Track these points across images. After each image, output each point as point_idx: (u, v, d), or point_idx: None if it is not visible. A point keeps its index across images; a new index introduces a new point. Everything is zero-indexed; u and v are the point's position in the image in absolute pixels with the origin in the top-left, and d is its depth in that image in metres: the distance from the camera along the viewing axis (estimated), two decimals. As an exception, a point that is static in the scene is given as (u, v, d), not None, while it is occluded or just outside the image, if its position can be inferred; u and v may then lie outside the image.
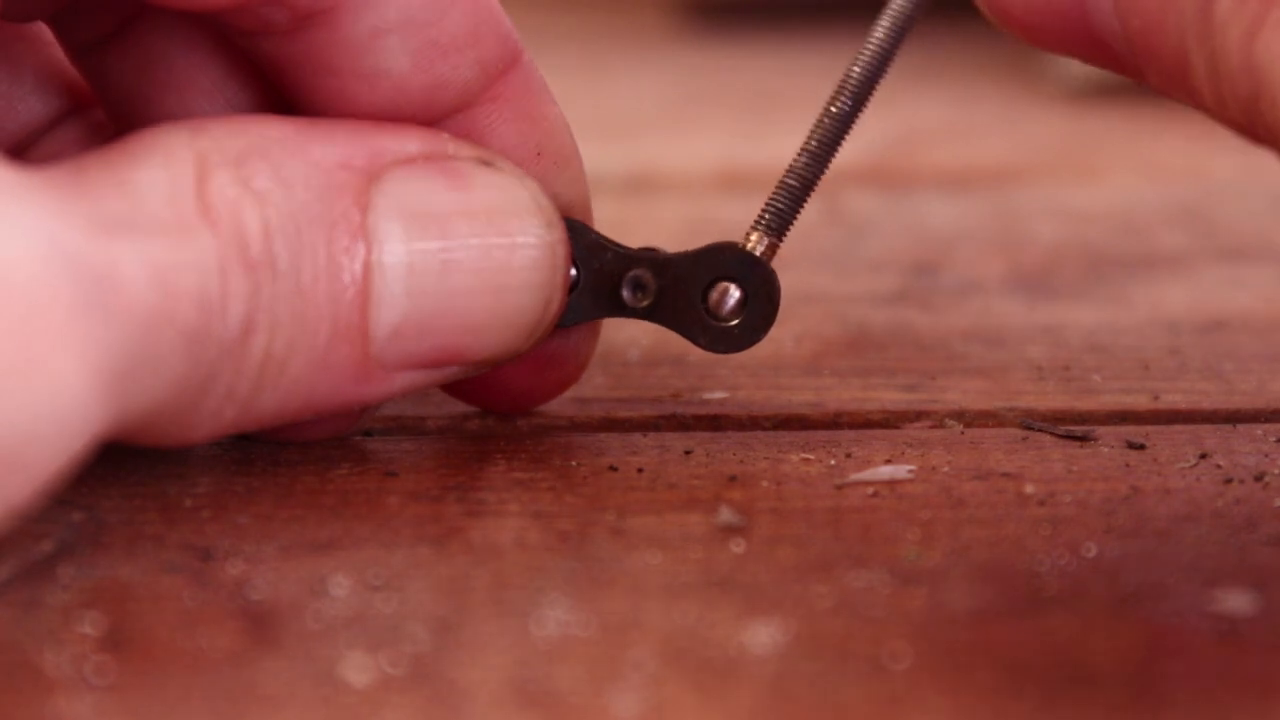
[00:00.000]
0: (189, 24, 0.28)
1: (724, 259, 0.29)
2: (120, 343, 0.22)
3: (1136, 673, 0.22)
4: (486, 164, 0.27)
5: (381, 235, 0.26)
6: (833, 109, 0.29)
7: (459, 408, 0.32)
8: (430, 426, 0.31)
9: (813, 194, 0.29)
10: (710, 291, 0.29)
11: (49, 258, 0.21)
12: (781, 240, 0.29)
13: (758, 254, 0.29)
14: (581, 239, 0.29)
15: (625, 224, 0.43)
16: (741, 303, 0.29)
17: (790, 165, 0.29)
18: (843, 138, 0.29)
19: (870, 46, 0.29)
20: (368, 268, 0.25)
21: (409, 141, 0.26)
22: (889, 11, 0.29)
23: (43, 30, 0.29)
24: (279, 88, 0.28)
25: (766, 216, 0.29)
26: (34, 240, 0.21)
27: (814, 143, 0.29)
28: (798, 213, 0.29)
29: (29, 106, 0.30)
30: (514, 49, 0.28)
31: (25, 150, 0.30)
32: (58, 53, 0.30)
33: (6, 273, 0.21)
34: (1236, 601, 0.24)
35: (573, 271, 0.29)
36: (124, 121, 0.28)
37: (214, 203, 0.24)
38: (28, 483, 0.21)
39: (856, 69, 0.29)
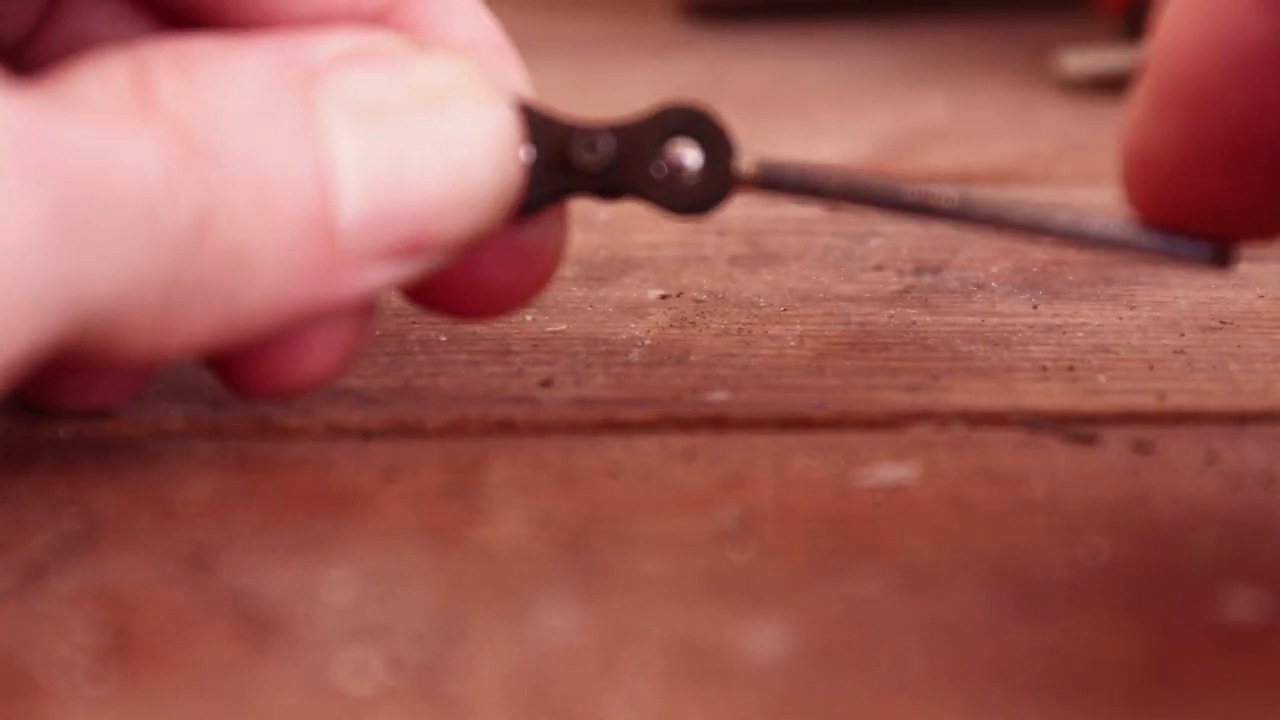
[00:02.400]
0: (109, 4, 0.28)
1: (678, 118, 0.29)
2: (63, 195, 0.22)
3: (1144, 677, 0.22)
4: (421, 48, 0.27)
5: (331, 128, 0.26)
6: (902, 191, 0.28)
7: (459, 409, 0.31)
8: (430, 427, 0.31)
9: (820, 200, 0.29)
10: (665, 152, 0.29)
11: None
12: (755, 189, 0.29)
13: (741, 161, 0.29)
14: (530, 117, 0.28)
15: (625, 224, 0.43)
16: (699, 161, 0.29)
17: (831, 167, 0.29)
18: (874, 205, 0.28)
19: (972, 200, 0.28)
20: (322, 161, 0.26)
21: (341, 39, 0.27)
22: (1014, 203, 0.28)
23: None
24: (204, 26, 0.28)
25: (771, 165, 0.29)
26: None
27: (858, 180, 0.28)
28: (785, 194, 0.29)
29: None
30: None
31: None
32: None
33: None
34: (1245, 605, 0.24)
35: (528, 151, 0.28)
36: None
37: (153, 97, 0.24)
38: None
39: (946, 194, 0.28)
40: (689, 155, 0.29)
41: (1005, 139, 0.56)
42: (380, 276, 0.27)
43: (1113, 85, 0.60)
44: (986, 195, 0.29)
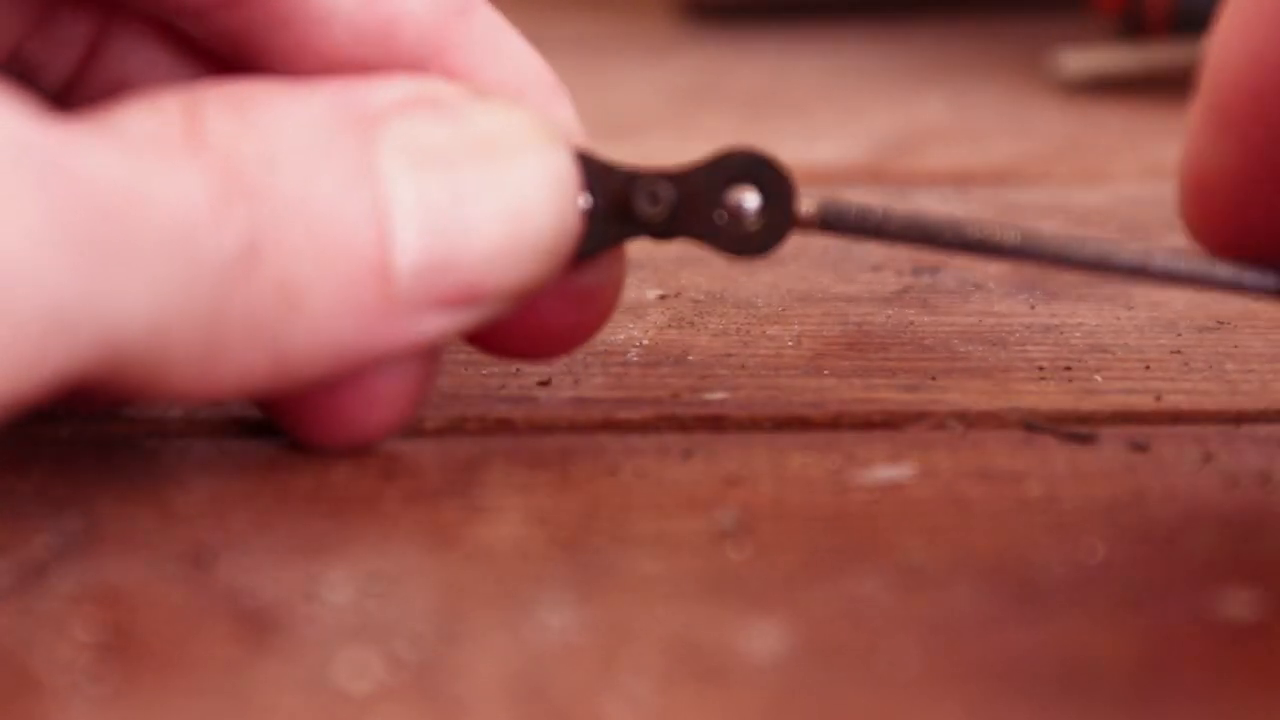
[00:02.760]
0: (147, 42, 0.28)
1: (737, 163, 0.29)
2: (86, 219, 0.22)
3: (1141, 676, 0.22)
4: (479, 97, 0.27)
5: (389, 173, 0.26)
6: (966, 230, 0.28)
7: (458, 408, 0.31)
8: (429, 427, 0.31)
9: (881, 239, 0.29)
10: (726, 197, 0.29)
11: None
12: (816, 229, 0.29)
13: (802, 203, 0.29)
14: (588, 165, 0.28)
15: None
16: (759, 205, 0.29)
17: (892, 207, 0.28)
18: (938, 246, 0.28)
19: (1034, 240, 0.28)
20: (380, 205, 0.25)
21: (399, 85, 0.27)
22: (1076, 239, 0.28)
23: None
24: (242, 63, 0.28)
25: (832, 205, 0.28)
26: None
27: (920, 220, 0.28)
28: (847, 233, 0.29)
29: None
30: None
31: None
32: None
33: None
34: (1241, 604, 0.24)
35: (586, 199, 0.28)
36: None
37: (203, 134, 0.24)
38: None
39: (1008, 234, 0.28)
40: (749, 199, 0.29)
41: (1003, 139, 0.56)
42: (435, 325, 0.26)
43: (1111, 85, 0.60)
44: (1047, 233, 0.28)
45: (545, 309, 0.29)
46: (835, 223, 0.29)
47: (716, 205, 0.29)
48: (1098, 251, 0.28)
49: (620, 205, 0.29)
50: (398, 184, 0.26)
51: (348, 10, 0.27)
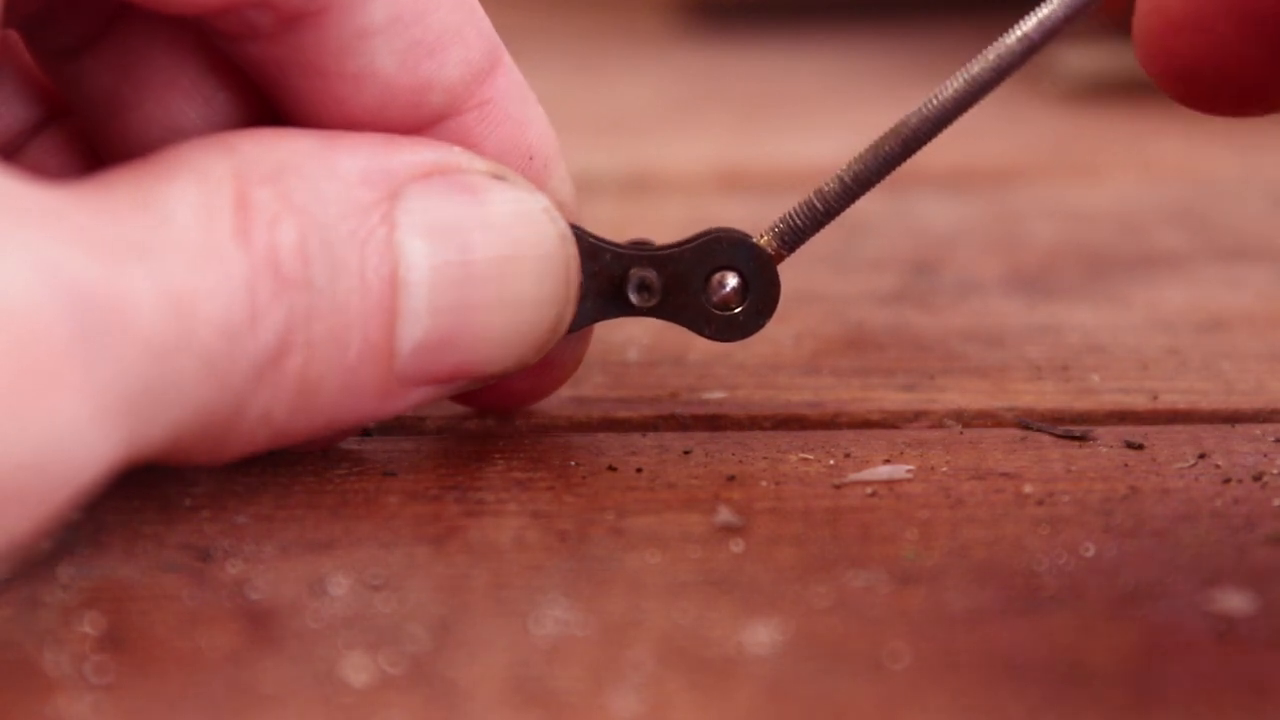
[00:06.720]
0: (169, 26, 0.28)
1: (721, 248, 0.29)
2: (128, 373, 0.22)
3: (1135, 672, 0.22)
4: (499, 178, 0.27)
5: (407, 251, 0.26)
6: (884, 147, 0.29)
7: (458, 408, 0.32)
8: (429, 426, 0.31)
9: (835, 215, 0.29)
10: (711, 282, 0.29)
11: (48, 287, 0.21)
12: (788, 254, 0.29)
13: (767, 248, 0.29)
14: (580, 243, 0.29)
15: (625, 224, 0.43)
16: (743, 290, 0.29)
17: (820, 188, 0.29)
18: (879, 179, 0.29)
19: (934, 102, 0.29)
20: (394, 284, 0.25)
21: (423, 155, 0.26)
22: (960, 74, 0.29)
23: (13, 37, 0.29)
24: (262, 89, 0.27)
25: (781, 227, 0.29)
26: (33, 268, 0.21)
27: (850, 175, 0.29)
28: (811, 235, 0.29)
29: (10, 113, 0.30)
30: (497, 50, 0.28)
31: (10, 159, 0.29)
32: (30, 59, 0.29)
33: (2, 303, 0.20)
34: (1234, 601, 0.24)
35: (582, 284, 0.29)
36: (100, 126, 0.28)
37: (252, 221, 0.24)
38: (27, 515, 0.21)
39: (914, 120, 0.29)
40: (731, 283, 0.29)
41: (1001, 138, 0.56)
42: (422, 396, 0.27)
43: (1109, 85, 0.61)
44: (946, 91, 0.29)
45: (511, 377, 0.29)
46: (794, 238, 0.29)
47: (701, 291, 0.29)
48: (992, 67, 0.29)
49: (609, 287, 0.29)
50: (413, 261, 0.26)
51: (386, 72, 0.26)
